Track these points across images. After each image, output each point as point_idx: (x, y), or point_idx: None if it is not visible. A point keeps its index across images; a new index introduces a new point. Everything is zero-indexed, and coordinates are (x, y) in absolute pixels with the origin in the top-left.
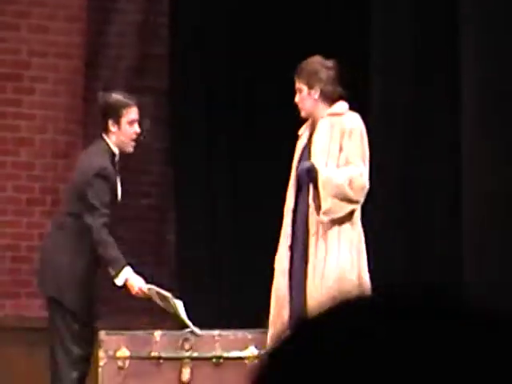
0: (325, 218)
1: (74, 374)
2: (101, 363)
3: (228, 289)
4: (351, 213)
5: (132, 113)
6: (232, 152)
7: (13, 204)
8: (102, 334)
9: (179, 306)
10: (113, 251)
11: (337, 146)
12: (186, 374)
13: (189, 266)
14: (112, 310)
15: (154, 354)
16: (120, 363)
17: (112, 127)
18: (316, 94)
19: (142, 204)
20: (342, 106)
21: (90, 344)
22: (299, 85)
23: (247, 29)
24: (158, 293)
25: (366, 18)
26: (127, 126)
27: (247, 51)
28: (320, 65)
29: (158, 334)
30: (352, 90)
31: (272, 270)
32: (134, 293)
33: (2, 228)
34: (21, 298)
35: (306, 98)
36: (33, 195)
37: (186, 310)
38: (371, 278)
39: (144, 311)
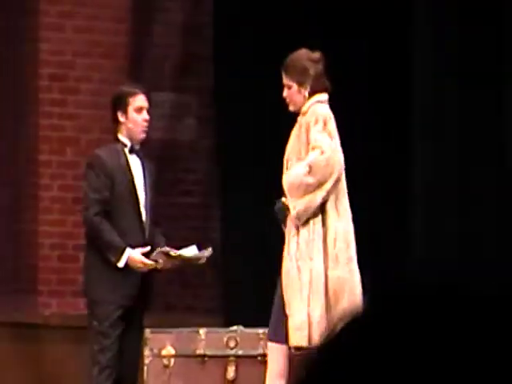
0: (299, 222)
1: (107, 372)
2: (146, 361)
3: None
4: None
5: (138, 100)
6: (278, 150)
7: (59, 203)
8: (148, 332)
9: (189, 251)
10: (108, 236)
11: (304, 145)
12: (230, 371)
13: (234, 263)
14: (157, 308)
15: (199, 351)
16: (165, 361)
17: (121, 118)
18: (306, 91)
19: (187, 202)
20: (310, 102)
21: (128, 342)
22: (288, 81)
23: (292, 27)
24: (164, 253)
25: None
26: (134, 114)
27: (293, 49)
28: (308, 60)
29: (203, 331)
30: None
31: None
32: (138, 269)
33: (49, 227)
34: (67, 297)
35: (295, 94)
36: (79, 194)
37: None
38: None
39: (189, 309)
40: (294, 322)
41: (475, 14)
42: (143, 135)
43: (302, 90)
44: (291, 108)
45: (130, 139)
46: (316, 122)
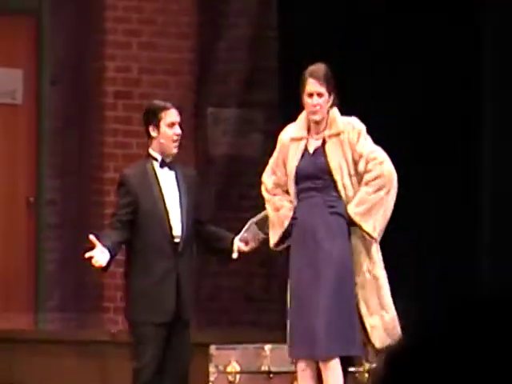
0: (379, 238)
1: None
2: (211, 378)
3: None
4: None
5: (170, 115)
6: None
7: None
8: (213, 349)
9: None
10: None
11: (350, 160)
12: None
13: None
14: (222, 324)
15: (264, 368)
16: (230, 378)
17: (153, 132)
18: (330, 102)
19: (251, 217)
20: (339, 121)
21: (174, 358)
22: (321, 89)
23: (357, 40)
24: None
25: None
26: (167, 129)
27: (358, 60)
28: (330, 71)
29: (268, 347)
30: None
31: None
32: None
33: None
34: None
35: (325, 103)
36: None
37: None
38: None
39: (254, 324)
40: (387, 321)
41: None
42: (175, 150)
43: (330, 100)
44: (318, 117)
45: (162, 154)
46: (359, 135)
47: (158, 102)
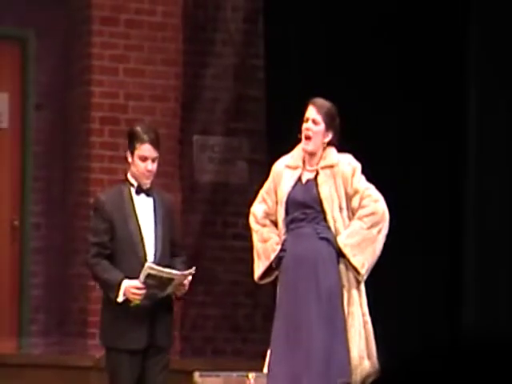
0: (366, 276)
1: None
2: None
3: None
4: None
5: (144, 149)
6: None
7: None
8: (196, 376)
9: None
10: (104, 275)
11: (342, 194)
12: None
13: None
14: (206, 352)
15: None
16: None
17: (129, 158)
18: (327, 138)
19: (238, 246)
20: (334, 154)
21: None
22: (318, 117)
23: (343, 69)
24: (152, 275)
25: None
26: (139, 161)
27: (343, 92)
28: (336, 112)
29: (252, 375)
30: None
31: None
32: (137, 299)
33: None
34: None
35: (319, 133)
36: None
37: None
38: None
39: (240, 352)
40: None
41: None
42: (147, 182)
43: (326, 134)
44: (310, 146)
45: (137, 181)
46: (354, 171)
47: (138, 130)
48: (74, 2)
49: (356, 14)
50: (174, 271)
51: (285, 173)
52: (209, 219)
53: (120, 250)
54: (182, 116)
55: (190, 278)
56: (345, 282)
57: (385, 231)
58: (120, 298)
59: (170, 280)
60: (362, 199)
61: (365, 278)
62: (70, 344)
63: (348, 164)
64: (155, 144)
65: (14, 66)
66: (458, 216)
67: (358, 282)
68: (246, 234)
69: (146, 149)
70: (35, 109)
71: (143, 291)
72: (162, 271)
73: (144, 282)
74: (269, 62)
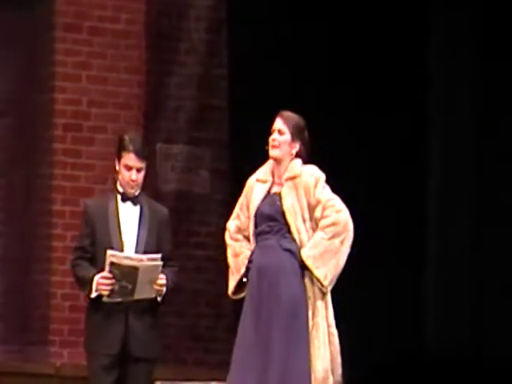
0: (331, 287)
1: None
2: None
3: None
4: None
5: (128, 159)
6: None
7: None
8: None
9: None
10: (80, 273)
11: (305, 205)
12: None
13: None
14: (168, 361)
15: None
16: None
17: (117, 166)
18: (295, 149)
19: (201, 255)
20: (297, 166)
21: None
22: (284, 128)
23: (307, 79)
24: (115, 264)
25: None
26: (123, 170)
27: (308, 101)
28: (305, 124)
29: None
30: None
31: None
32: (104, 290)
33: (61, 277)
34: (79, 347)
35: (285, 143)
36: None
37: None
38: None
39: (201, 362)
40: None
41: None
42: (131, 191)
43: (292, 145)
44: (275, 154)
45: (123, 189)
46: (316, 182)
47: (125, 139)
48: (37, 9)
49: (322, 21)
50: (135, 256)
51: (256, 187)
52: (172, 228)
53: (99, 254)
54: (144, 124)
55: (162, 276)
56: (310, 294)
57: (348, 242)
58: (93, 294)
59: (135, 269)
60: (324, 209)
61: (329, 289)
62: (31, 351)
63: (311, 175)
64: (141, 154)
65: None
66: (422, 228)
67: (324, 294)
68: (209, 243)
69: (130, 158)
70: None
71: (111, 281)
72: (124, 257)
73: (110, 272)
74: (232, 72)
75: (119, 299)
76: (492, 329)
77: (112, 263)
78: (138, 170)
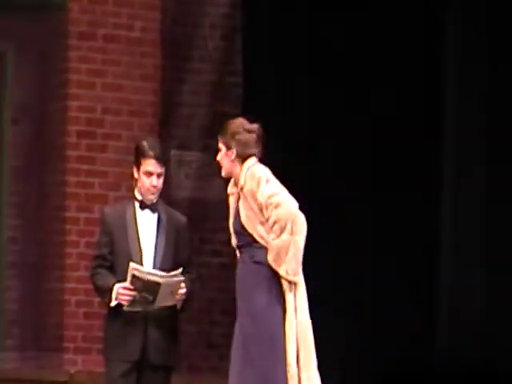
0: (298, 278)
1: None
2: None
3: None
4: None
5: (148, 164)
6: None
7: (86, 260)
8: None
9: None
10: (100, 282)
11: (257, 210)
12: None
13: None
14: (182, 369)
15: None
16: None
17: (135, 174)
18: (233, 155)
19: (215, 262)
20: (242, 175)
21: None
22: (220, 144)
23: (321, 87)
24: (137, 277)
25: None
26: (144, 177)
27: (321, 109)
28: (240, 127)
29: None
30: None
31: None
32: (124, 301)
33: (75, 284)
34: (92, 354)
35: (223, 157)
36: None
37: None
38: None
39: (216, 370)
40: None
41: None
42: (152, 197)
43: (229, 154)
44: (222, 173)
45: (142, 196)
46: (258, 184)
47: (144, 145)
48: (51, 16)
49: (338, 26)
50: (158, 272)
51: (230, 202)
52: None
53: (118, 262)
54: (159, 131)
55: (183, 285)
56: (285, 287)
57: (298, 228)
58: (113, 303)
59: (157, 284)
60: (267, 209)
61: (295, 278)
62: (45, 358)
63: (252, 178)
64: (160, 159)
65: None
66: (436, 232)
67: (295, 289)
68: (223, 251)
69: (150, 164)
70: (12, 123)
71: (131, 293)
72: (147, 273)
73: (131, 284)
74: (246, 80)
75: (139, 309)
76: (504, 341)
77: (134, 276)
78: (158, 176)
